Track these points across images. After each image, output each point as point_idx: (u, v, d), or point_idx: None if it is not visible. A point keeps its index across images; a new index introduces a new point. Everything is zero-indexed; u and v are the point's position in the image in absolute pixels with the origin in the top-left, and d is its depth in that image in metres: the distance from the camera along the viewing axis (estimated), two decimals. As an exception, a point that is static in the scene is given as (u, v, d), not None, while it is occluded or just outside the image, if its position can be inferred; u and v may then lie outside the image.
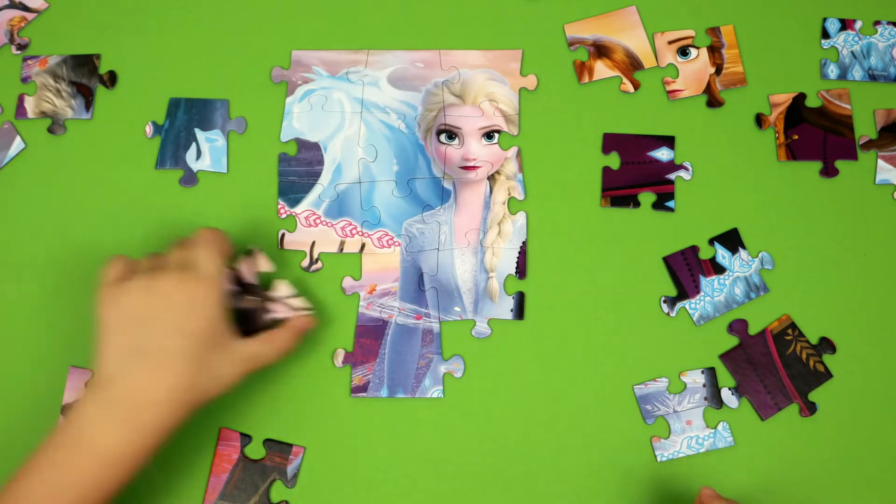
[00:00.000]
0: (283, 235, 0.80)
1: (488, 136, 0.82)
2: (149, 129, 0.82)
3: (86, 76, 0.83)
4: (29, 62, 0.83)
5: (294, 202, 0.81)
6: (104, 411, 0.64)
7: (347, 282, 0.79)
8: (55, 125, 0.82)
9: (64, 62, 0.83)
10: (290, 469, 0.75)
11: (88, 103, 0.82)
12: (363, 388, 0.77)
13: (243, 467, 0.75)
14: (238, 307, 0.72)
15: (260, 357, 0.69)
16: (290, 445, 0.75)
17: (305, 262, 0.79)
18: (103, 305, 0.68)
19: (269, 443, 0.76)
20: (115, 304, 0.68)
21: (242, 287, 0.73)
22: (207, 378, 0.66)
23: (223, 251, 0.70)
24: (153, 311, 0.66)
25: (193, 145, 0.82)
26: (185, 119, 0.83)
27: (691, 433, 0.75)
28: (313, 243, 0.80)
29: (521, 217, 0.80)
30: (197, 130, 0.82)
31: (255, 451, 0.76)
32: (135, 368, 0.65)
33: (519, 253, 0.79)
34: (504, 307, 0.78)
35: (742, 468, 0.75)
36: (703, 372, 0.77)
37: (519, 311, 0.78)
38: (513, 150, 0.82)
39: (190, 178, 0.81)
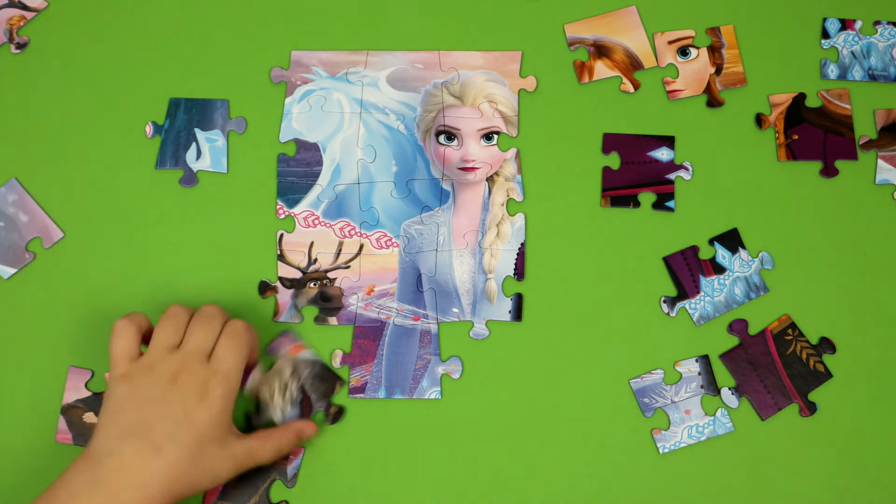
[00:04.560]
0: (281, 236, 0.80)
1: (487, 137, 0.82)
2: (149, 129, 0.82)
3: None
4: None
5: (293, 203, 0.81)
6: (89, 487, 0.63)
7: (346, 282, 0.79)
8: None
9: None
10: (290, 469, 0.75)
11: None
12: (361, 389, 0.77)
13: None
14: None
15: (255, 454, 0.69)
16: None
17: (304, 263, 0.79)
18: (118, 380, 0.67)
19: None
20: (130, 381, 0.67)
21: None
22: (200, 471, 0.65)
23: (247, 347, 0.70)
24: (165, 396, 0.66)
25: (193, 145, 0.82)
26: (185, 119, 0.83)
27: (691, 422, 0.76)
28: (312, 244, 0.80)
29: (519, 218, 0.80)
30: (197, 130, 0.82)
31: None
32: (130, 448, 0.64)
33: (517, 254, 0.79)
34: (502, 309, 0.78)
35: (742, 466, 0.75)
36: (697, 360, 0.77)
37: (517, 313, 0.78)
38: (512, 152, 0.82)
39: (190, 178, 0.81)
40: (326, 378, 0.77)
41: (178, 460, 0.64)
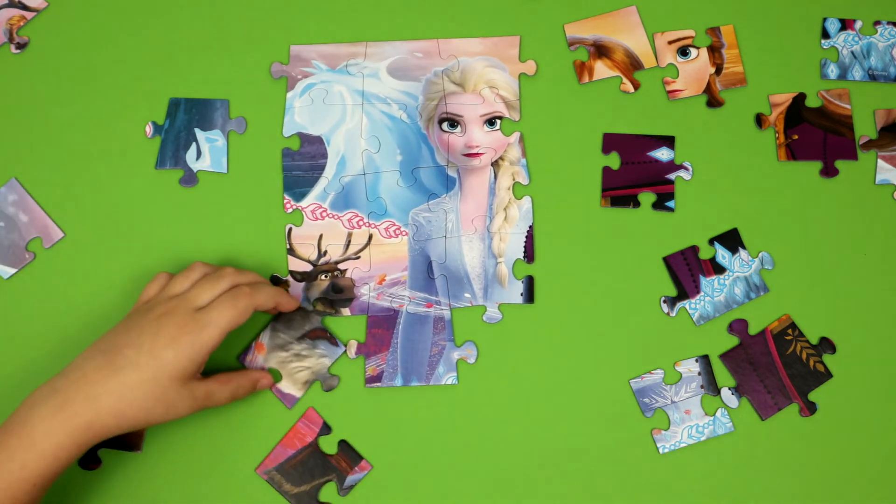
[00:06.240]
0: (290, 230, 0.80)
1: (490, 122, 0.82)
2: (149, 129, 0.82)
3: None
4: (248, 359, 0.78)
5: (300, 196, 0.81)
6: (46, 396, 0.66)
7: (357, 272, 0.79)
8: None
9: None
10: (350, 479, 0.75)
11: None
12: (377, 378, 0.77)
13: (310, 453, 0.75)
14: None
15: (213, 396, 0.71)
16: (362, 458, 0.76)
17: (314, 256, 0.80)
18: (126, 317, 0.72)
19: (343, 444, 0.76)
20: (129, 317, 0.71)
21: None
22: (155, 402, 0.67)
23: (241, 311, 0.70)
24: (142, 329, 0.68)
25: (193, 145, 0.82)
26: (185, 119, 0.83)
27: (691, 422, 0.76)
28: (321, 236, 0.80)
29: (526, 201, 0.80)
30: (197, 130, 0.82)
31: (329, 445, 0.76)
32: (93, 363, 0.67)
33: (526, 237, 0.80)
34: (514, 291, 0.79)
35: (742, 466, 0.75)
36: (697, 360, 0.77)
37: (529, 295, 0.78)
38: (515, 136, 0.82)
39: (190, 178, 0.81)
40: (291, 315, 0.78)
41: (133, 385, 0.66)
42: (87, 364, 0.67)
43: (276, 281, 0.79)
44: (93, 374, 0.66)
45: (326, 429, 0.76)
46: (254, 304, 0.71)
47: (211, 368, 0.76)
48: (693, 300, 0.78)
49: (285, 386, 0.77)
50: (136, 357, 0.67)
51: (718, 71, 0.83)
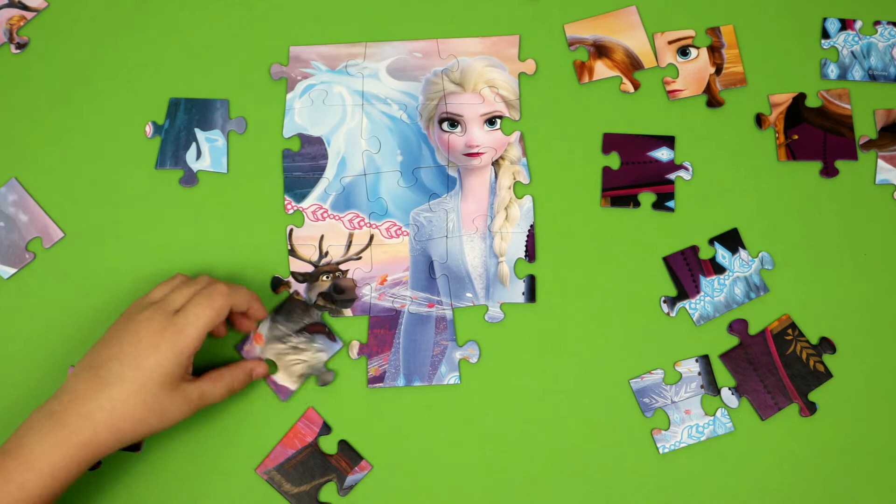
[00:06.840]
0: (291, 231, 0.80)
1: (490, 122, 0.82)
2: (149, 129, 0.82)
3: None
4: (246, 348, 0.78)
5: (300, 197, 0.81)
6: (42, 418, 0.66)
7: (359, 273, 0.79)
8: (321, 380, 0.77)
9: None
10: (350, 479, 0.75)
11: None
12: (380, 379, 0.77)
13: (310, 453, 0.75)
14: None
15: (206, 396, 0.71)
16: (362, 458, 0.75)
17: (315, 256, 0.80)
18: (110, 327, 0.72)
19: (343, 444, 0.76)
20: (111, 327, 0.71)
21: None
22: (148, 412, 0.67)
23: (216, 310, 0.70)
24: (122, 339, 0.69)
25: (193, 145, 0.82)
26: (185, 119, 0.83)
27: (691, 422, 0.76)
28: (322, 237, 0.80)
29: (527, 201, 0.81)
30: (197, 130, 0.82)
31: (329, 444, 0.76)
32: (82, 381, 0.68)
33: (527, 236, 0.80)
34: (516, 291, 0.79)
35: (742, 467, 0.75)
36: (697, 360, 0.77)
37: (531, 294, 0.78)
38: (515, 135, 0.82)
39: (190, 178, 0.81)
40: (291, 307, 0.78)
41: (123, 397, 0.66)
42: (76, 382, 0.68)
43: (278, 282, 0.79)
44: (83, 391, 0.67)
45: (326, 429, 0.76)
46: (230, 303, 0.71)
47: (210, 359, 0.77)
48: (693, 300, 0.78)
49: (280, 378, 0.77)
50: (121, 369, 0.67)
51: (718, 71, 0.83)
